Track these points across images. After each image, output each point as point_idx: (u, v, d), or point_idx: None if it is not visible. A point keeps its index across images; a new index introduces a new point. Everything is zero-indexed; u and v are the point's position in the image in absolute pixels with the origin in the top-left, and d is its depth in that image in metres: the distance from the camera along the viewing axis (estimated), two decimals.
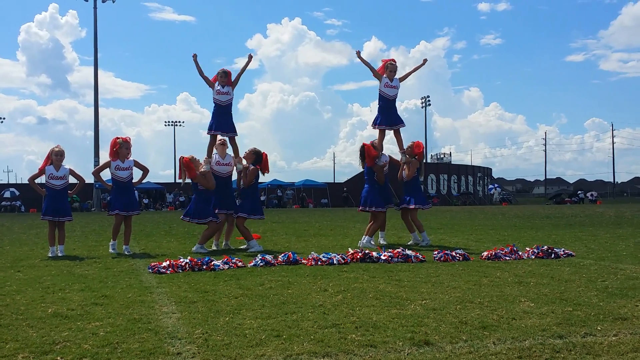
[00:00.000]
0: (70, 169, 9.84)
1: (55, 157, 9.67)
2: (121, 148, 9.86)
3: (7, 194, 51.50)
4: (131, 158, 10.03)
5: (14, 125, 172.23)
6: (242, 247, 10.35)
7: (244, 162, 10.23)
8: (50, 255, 9.36)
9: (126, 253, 9.63)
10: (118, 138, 9.99)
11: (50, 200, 9.72)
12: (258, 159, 10.29)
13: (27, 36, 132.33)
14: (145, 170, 10.32)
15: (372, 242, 10.37)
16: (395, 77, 10.76)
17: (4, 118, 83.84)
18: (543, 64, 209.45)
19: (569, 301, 5.08)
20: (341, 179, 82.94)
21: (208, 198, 9.95)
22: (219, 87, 10.31)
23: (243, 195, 10.39)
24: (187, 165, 9.80)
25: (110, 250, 9.70)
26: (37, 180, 9.98)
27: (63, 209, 9.78)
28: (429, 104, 77.80)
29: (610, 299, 5.18)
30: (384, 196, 10.73)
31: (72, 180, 10.06)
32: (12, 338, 3.97)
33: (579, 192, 69.21)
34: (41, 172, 9.71)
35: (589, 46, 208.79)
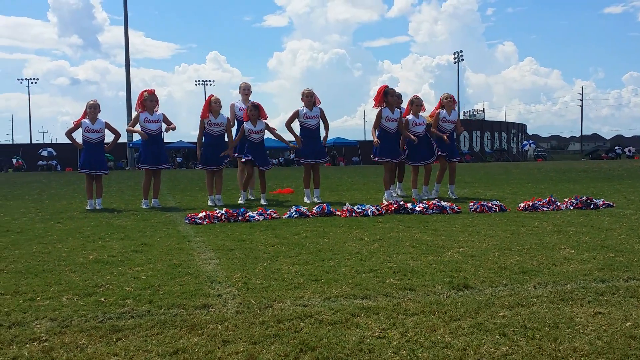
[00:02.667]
0: (106, 122, 9.86)
1: (90, 110, 9.70)
2: (145, 100, 9.82)
3: (44, 153, 52.51)
4: (159, 112, 9.98)
5: (47, 87, 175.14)
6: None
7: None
8: (88, 208, 9.51)
9: (156, 206, 9.72)
10: (145, 91, 9.97)
11: (87, 153, 9.80)
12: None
13: None
14: (169, 124, 9.97)
15: (393, 193, 10.33)
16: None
17: (37, 79, 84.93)
18: (580, 17, 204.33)
19: (610, 248, 4.99)
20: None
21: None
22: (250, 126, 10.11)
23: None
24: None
25: (143, 206, 9.74)
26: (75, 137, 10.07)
27: (100, 162, 9.86)
28: (462, 59, 76.41)
29: None
30: (388, 147, 10.13)
31: (108, 137, 10.14)
32: (56, 282, 4.05)
33: (617, 147, 67.78)
34: (77, 125, 9.76)
35: None
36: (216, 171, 10.20)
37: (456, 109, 10.88)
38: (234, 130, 10.71)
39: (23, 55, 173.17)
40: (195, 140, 10.83)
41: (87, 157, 9.78)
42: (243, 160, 10.30)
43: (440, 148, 10.52)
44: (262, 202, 10.05)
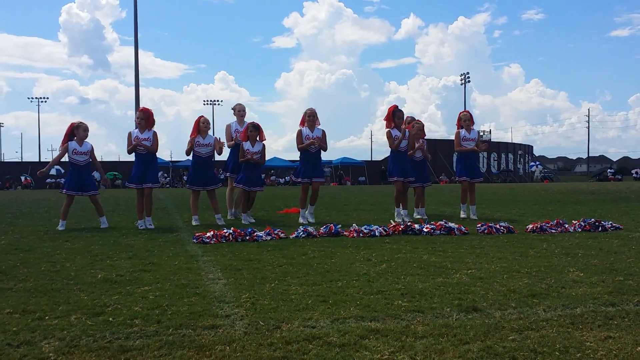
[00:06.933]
0: (92, 146, 9.80)
1: (84, 133, 9.71)
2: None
3: (52, 171, 52.69)
4: (152, 130, 9.80)
5: (57, 105, 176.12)
6: None
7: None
8: (59, 228, 9.29)
9: (148, 226, 9.46)
10: (143, 110, 9.99)
11: (73, 175, 9.75)
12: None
13: (68, 17, 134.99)
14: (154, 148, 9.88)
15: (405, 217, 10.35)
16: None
17: (47, 98, 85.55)
18: (586, 40, 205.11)
19: (619, 271, 4.96)
20: (378, 157, 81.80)
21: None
22: (248, 147, 10.11)
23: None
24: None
25: (139, 227, 9.44)
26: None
27: (87, 183, 9.82)
28: (469, 81, 76.51)
29: None
30: (401, 167, 10.28)
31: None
32: (65, 301, 4.06)
33: (610, 169, 68.47)
34: (65, 149, 9.65)
35: (634, 21, 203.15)
36: (209, 190, 10.12)
37: (474, 127, 10.91)
38: (228, 151, 10.97)
39: (33, 75, 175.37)
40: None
41: (74, 179, 9.73)
42: (236, 184, 10.36)
43: (460, 170, 10.77)
44: (244, 221, 10.14)
